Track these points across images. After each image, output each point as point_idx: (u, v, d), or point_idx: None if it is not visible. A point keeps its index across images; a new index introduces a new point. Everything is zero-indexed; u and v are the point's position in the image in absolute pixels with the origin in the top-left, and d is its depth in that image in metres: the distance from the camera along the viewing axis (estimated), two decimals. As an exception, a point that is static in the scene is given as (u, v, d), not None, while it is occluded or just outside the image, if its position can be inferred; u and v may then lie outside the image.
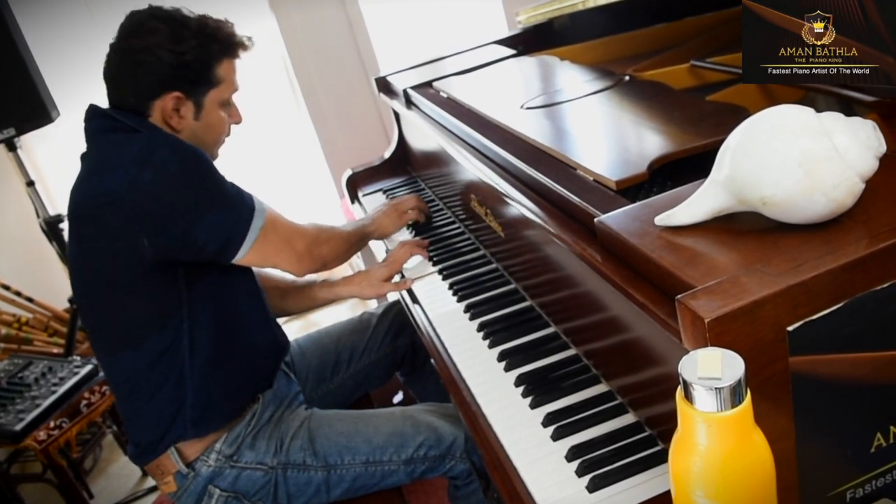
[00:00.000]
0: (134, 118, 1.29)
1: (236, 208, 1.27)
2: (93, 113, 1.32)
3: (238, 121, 1.43)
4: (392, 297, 1.73)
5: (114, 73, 1.30)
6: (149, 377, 1.28)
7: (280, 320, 1.54)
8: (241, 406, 1.36)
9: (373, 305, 2.84)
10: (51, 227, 2.29)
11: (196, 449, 1.32)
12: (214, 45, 1.31)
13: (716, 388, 0.52)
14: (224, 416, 1.33)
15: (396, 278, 1.56)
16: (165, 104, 1.29)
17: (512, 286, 1.36)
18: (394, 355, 1.69)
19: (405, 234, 1.73)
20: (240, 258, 1.28)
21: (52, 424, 2.06)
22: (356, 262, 2.69)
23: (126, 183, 1.19)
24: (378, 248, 1.75)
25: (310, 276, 1.64)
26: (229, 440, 1.33)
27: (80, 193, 1.27)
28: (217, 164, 1.35)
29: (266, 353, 1.42)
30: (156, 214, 1.20)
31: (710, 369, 0.53)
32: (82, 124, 1.32)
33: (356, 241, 1.56)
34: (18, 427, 2.01)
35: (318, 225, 1.47)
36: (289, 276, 1.64)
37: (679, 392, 0.55)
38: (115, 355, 1.31)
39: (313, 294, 1.60)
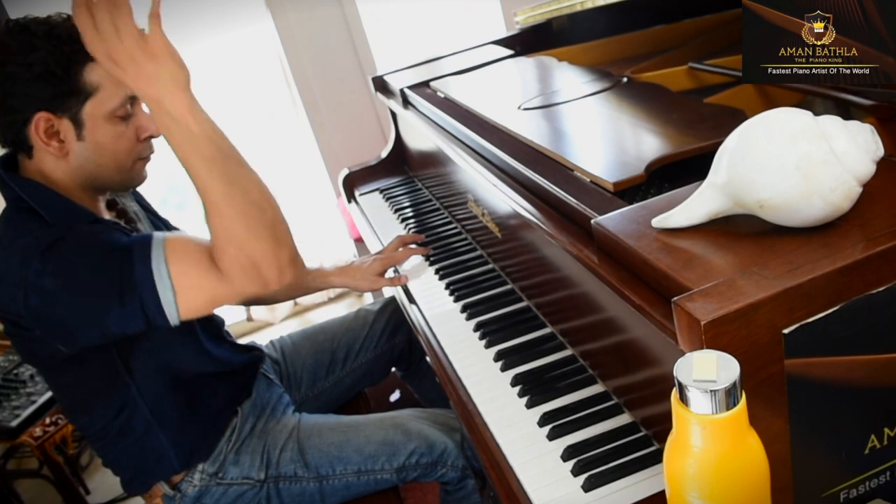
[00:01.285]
0: (24, 185, 1.14)
1: (137, 285, 1.06)
2: None
3: (152, 133, 1.19)
4: (387, 292, 1.72)
5: None
6: (112, 433, 1.26)
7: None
8: (224, 426, 1.35)
9: (368, 301, 2.84)
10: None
11: (180, 472, 1.32)
12: (71, 46, 1.08)
13: (711, 391, 0.53)
14: (211, 443, 1.32)
15: (391, 272, 1.56)
16: (36, 130, 1.10)
17: (508, 286, 1.36)
18: (391, 352, 1.68)
19: (399, 229, 1.73)
20: (178, 320, 1.10)
21: (47, 421, 2.06)
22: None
23: (22, 306, 1.07)
24: (372, 242, 1.75)
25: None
26: (211, 458, 1.31)
27: None
28: None
29: (236, 377, 1.40)
30: (62, 329, 1.10)
31: (706, 372, 0.54)
32: None
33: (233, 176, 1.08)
34: (14, 423, 2.01)
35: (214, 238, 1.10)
36: None
37: (674, 394, 0.55)
38: (71, 416, 1.30)
39: (305, 283, 1.58)
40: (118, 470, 1.33)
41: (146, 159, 1.22)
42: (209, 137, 1.02)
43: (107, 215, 1.25)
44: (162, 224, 1.41)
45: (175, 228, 1.43)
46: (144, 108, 1.18)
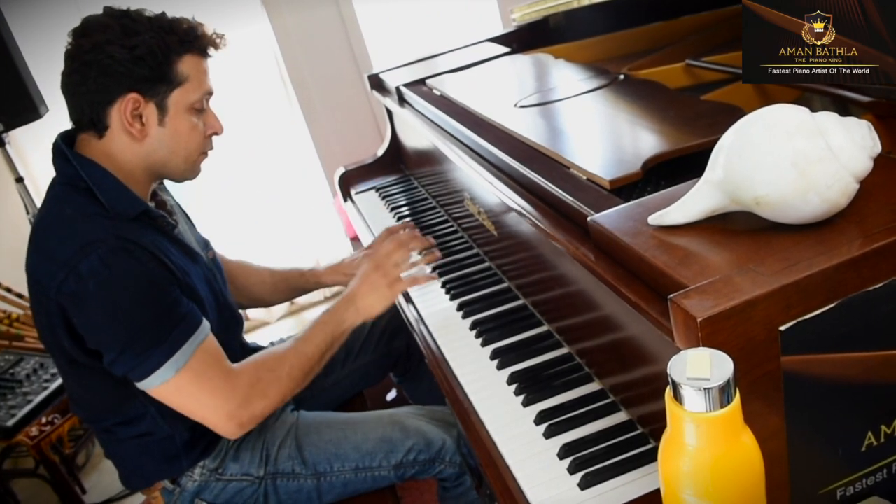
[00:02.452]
0: (86, 164, 1.17)
1: (151, 348, 1.11)
2: (56, 150, 1.21)
3: (217, 131, 1.28)
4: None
5: (66, 82, 1.18)
6: (125, 434, 1.26)
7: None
8: None
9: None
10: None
11: (186, 470, 1.31)
12: (172, 37, 1.17)
13: (704, 389, 0.52)
14: (214, 439, 1.32)
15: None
16: (123, 109, 1.16)
17: (505, 285, 1.35)
18: (388, 357, 1.67)
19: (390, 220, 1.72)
20: (147, 389, 1.15)
21: (43, 420, 2.05)
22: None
23: (57, 284, 1.10)
24: (368, 241, 1.74)
25: (293, 265, 1.64)
26: (213, 454, 1.31)
27: (28, 255, 1.18)
28: (205, 166, 1.31)
29: None
30: (73, 326, 1.13)
31: (699, 370, 0.53)
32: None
33: (321, 356, 1.29)
34: (10, 423, 2.00)
35: (262, 360, 1.23)
36: (274, 268, 1.65)
37: (668, 392, 0.55)
38: (77, 409, 1.31)
39: (298, 285, 1.62)
40: (121, 465, 1.32)
41: (206, 154, 1.30)
42: (334, 341, 1.31)
43: (151, 205, 1.27)
44: (189, 220, 1.43)
45: (192, 224, 1.45)
46: (211, 105, 1.27)
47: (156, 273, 1.14)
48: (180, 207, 1.43)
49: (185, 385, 1.14)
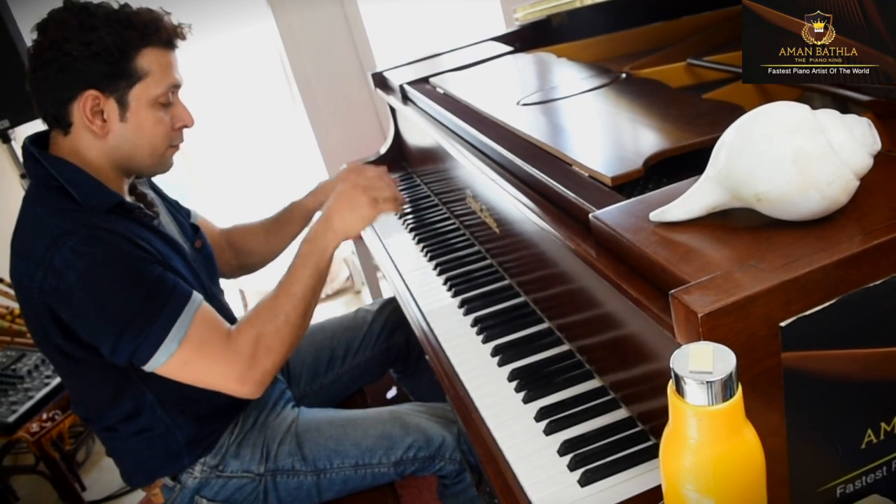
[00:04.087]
0: (56, 163, 1.16)
1: (149, 326, 1.10)
2: (25, 153, 1.20)
3: (186, 123, 1.26)
4: (387, 294, 1.71)
5: (30, 79, 1.17)
6: (126, 432, 1.26)
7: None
8: (229, 419, 1.35)
9: (367, 301, 2.83)
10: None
11: (187, 467, 1.32)
12: (130, 32, 1.14)
13: (707, 382, 0.53)
14: (215, 436, 1.32)
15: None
16: (83, 106, 1.15)
17: (506, 282, 1.36)
18: (388, 353, 1.68)
19: (398, 225, 1.73)
20: (154, 369, 1.14)
21: (44, 416, 2.05)
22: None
23: (38, 284, 1.10)
24: (370, 238, 1.75)
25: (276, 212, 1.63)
26: (214, 451, 1.32)
27: (10, 260, 1.17)
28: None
29: None
30: (63, 323, 1.13)
31: (702, 363, 0.53)
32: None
33: (312, 292, 1.26)
34: (11, 419, 2.00)
35: (256, 315, 1.21)
36: (263, 218, 1.64)
37: (670, 386, 0.55)
38: (77, 407, 1.31)
39: (292, 217, 1.61)
40: (123, 462, 1.32)
41: (176, 147, 1.27)
42: (321, 273, 1.27)
43: (129, 199, 1.26)
44: (174, 208, 1.42)
45: (184, 208, 1.45)
46: (181, 97, 1.25)
47: (133, 254, 1.13)
48: (164, 200, 1.42)
49: (190, 356, 1.13)
